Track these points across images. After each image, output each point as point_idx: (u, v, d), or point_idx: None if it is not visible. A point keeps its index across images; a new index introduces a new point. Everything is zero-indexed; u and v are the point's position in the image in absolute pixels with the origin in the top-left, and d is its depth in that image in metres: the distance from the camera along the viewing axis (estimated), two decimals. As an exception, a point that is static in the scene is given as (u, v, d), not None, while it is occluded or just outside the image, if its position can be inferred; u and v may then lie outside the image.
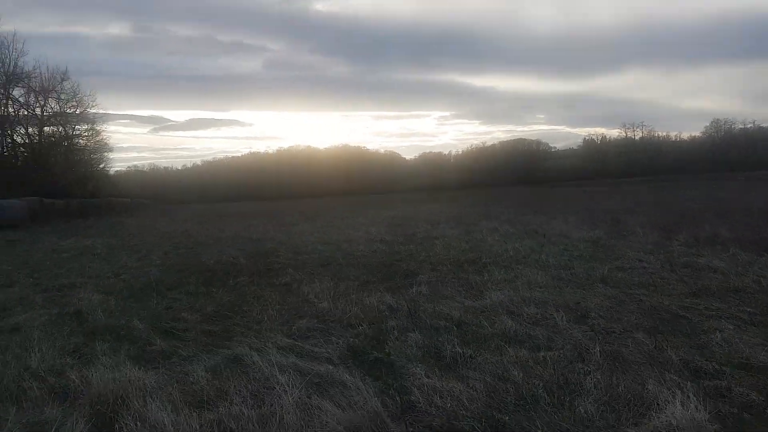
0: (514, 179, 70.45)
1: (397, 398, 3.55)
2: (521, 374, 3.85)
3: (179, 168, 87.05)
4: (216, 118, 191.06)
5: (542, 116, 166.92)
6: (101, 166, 40.75)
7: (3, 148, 31.42)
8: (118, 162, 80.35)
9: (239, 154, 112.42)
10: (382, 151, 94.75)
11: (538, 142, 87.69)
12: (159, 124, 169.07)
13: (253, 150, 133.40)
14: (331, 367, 4.27)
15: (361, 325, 5.51)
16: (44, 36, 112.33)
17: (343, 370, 4.13)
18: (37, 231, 18.51)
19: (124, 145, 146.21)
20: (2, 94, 30.64)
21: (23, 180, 27.09)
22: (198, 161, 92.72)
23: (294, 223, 21.43)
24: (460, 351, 4.44)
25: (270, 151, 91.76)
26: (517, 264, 8.61)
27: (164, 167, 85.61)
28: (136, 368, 4.23)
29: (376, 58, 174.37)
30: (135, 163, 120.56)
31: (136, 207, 37.56)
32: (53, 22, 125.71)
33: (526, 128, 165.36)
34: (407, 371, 4.06)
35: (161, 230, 18.62)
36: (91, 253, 12.06)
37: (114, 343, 5.17)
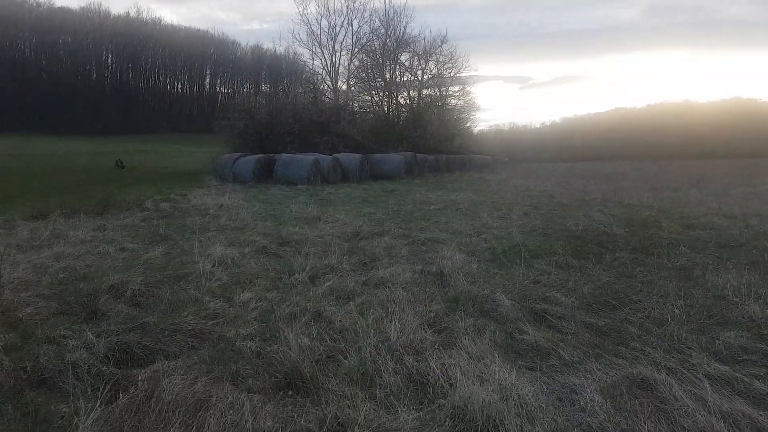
0: None
1: None
2: None
3: (537, 126, 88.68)
4: (581, 74, 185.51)
5: None
6: (468, 124, 44.38)
7: (389, 109, 37.71)
8: (482, 121, 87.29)
9: (602, 111, 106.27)
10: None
11: None
12: (524, 83, 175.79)
13: (618, 106, 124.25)
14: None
15: None
16: (428, 5, 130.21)
17: None
18: (410, 183, 20.97)
19: (489, 105, 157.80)
20: (392, 60, 36.58)
21: (401, 137, 31.67)
22: (557, 119, 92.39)
23: (675, 188, 17.97)
24: None
25: (638, 107, 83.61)
26: None
27: (523, 125, 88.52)
28: (507, 367, 3.28)
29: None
30: (496, 122, 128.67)
31: (496, 164, 39.50)
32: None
33: None
34: None
35: (520, 188, 18.33)
36: (454, 208, 12.42)
37: (477, 318, 4.44)
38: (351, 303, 4.92)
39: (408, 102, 38.39)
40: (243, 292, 5.33)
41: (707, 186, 18.04)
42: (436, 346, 3.76)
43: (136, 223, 10.16)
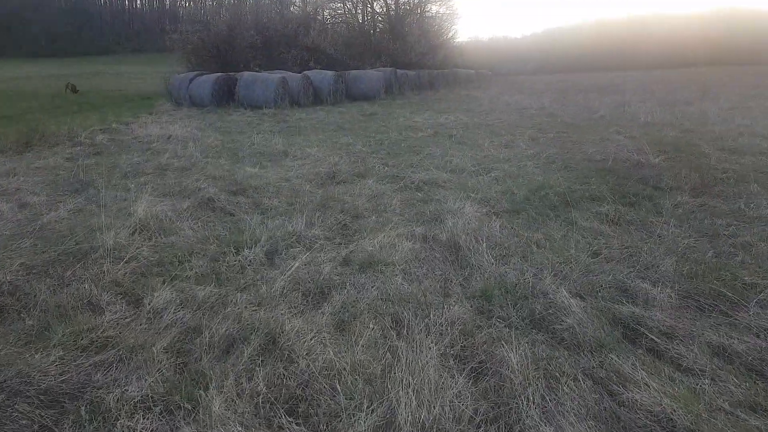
0: None
1: None
2: None
3: (518, 37, 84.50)
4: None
5: None
6: (450, 35, 40.63)
7: (363, 18, 34.12)
8: (459, 32, 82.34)
9: (584, 22, 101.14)
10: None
11: None
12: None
13: (600, 18, 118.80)
14: None
15: None
16: None
17: None
18: (391, 104, 18.64)
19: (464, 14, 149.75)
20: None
21: (379, 51, 28.64)
22: (539, 30, 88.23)
23: (686, 101, 16.09)
24: None
25: (620, 18, 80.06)
26: None
27: (503, 37, 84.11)
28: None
29: None
30: (474, 34, 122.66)
31: (480, 78, 36.79)
32: None
33: None
34: None
35: (515, 106, 16.25)
36: (447, 134, 10.44)
37: (531, 338, 2.73)
38: (326, 306, 3.13)
39: (385, 10, 34.78)
40: (162, 286, 3.49)
41: (720, 98, 16.17)
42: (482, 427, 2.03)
43: (59, 164, 8.07)
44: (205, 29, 23.45)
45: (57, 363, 2.59)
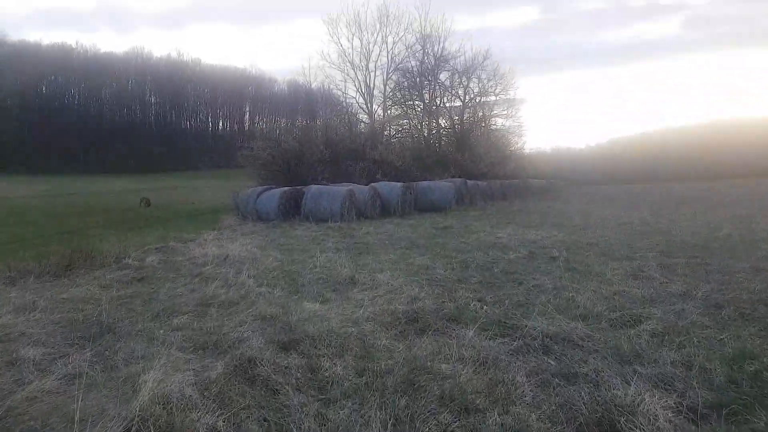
0: None
1: None
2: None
3: (581, 147, 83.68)
4: (620, 92, 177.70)
5: None
6: (519, 146, 40.01)
7: (429, 132, 34.13)
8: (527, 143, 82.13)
9: (650, 131, 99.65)
10: None
11: None
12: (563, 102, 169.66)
13: (665, 127, 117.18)
14: None
15: None
16: (455, 29, 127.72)
17: None
18: (464, 215, 17.05)
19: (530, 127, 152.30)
20: (431, 79, 33.31)
21: (445, 161, 27.87)
22: (603, 140, 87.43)
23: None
24: None
25: (687, 126, 78.32)
26: None
27: (566, 147, 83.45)
28: None
29: None
30: (537, 145, 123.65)
31: (553, 188, 35.04)
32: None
33: None
34: None
35: (612, 220, 14.16)
36: (546, 255, 8.53)
37: None
38: None
39: (450, 124, 34.72)
40: None
41: None
42: None
43: (90, 295, 6.77)
44: (277, 146, 23.62)
45: None
